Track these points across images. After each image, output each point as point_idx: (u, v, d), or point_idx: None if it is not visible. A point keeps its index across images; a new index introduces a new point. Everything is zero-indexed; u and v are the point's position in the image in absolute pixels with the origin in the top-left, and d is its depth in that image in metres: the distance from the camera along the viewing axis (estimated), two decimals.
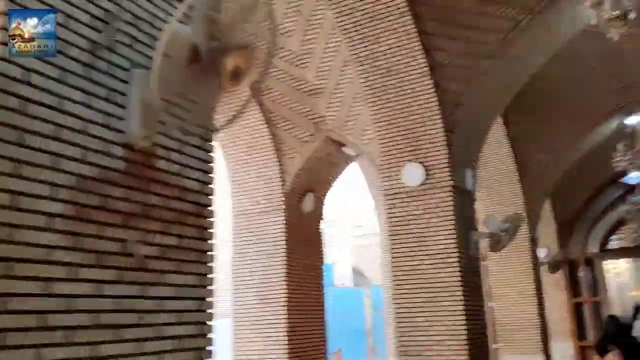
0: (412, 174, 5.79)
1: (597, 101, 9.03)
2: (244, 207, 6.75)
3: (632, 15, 3.25)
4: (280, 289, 6.44)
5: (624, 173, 9.31)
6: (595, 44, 7.51)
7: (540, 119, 9.05)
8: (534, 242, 9.66)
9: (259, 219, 6.64)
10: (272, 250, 6.52)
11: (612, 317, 10.25)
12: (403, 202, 5.86)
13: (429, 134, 5.80)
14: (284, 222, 6.52)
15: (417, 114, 5.80)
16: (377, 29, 5.56)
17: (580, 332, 11.92)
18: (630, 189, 10.67)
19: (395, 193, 5.90)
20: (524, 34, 5.71)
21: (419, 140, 5.85)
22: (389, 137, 5.93)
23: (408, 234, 5.75)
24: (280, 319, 6.40)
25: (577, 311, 12.18)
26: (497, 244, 5.88)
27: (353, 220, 19.53)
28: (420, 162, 5.79)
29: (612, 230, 12.84)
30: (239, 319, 6.68)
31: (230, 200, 6.81)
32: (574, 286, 12.22)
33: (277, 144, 6.57)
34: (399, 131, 5.88)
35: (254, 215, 6.68)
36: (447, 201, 5.67)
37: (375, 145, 6.10)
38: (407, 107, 5.79)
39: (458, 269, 5.49)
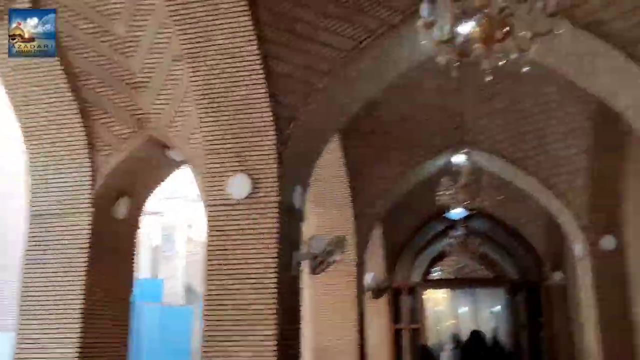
0: (238, 186, 5.42)
1: (430, 136, 9.46)
2: (43, 207, 5.86)
3: (460, 39, 3.19)
4: (77, 301, 5.64)
5: (447, 208, 9.78)
6: (434, 80, 7.89)
7: (377, 146, 9.27)
8: (360, 267, 9.78)
9: (60, 222, 5.80)
10: (73, 257, 5.71)
11: (424, 347, 11.18)
12: (226, 214, 5.45)
13: (260, 146, 5.48)
14: (90, 226, 5.75)
15: (249, 123, 5.46)
16: (213, 26, 5.14)
17: (398, 358, 12.36)
18: (452, 223, 11.38)
19: (219, 204, 5.47)
20: (363, 56, 5.67)
21: (248, 151, 5.49)
22: (217, 144, 5.50)
23: (228, 248, 5.34)
24: (74, 335, 5.60)
25: (396, 338, 12.58)
26: (319, 265, 5.69)
27: (188, 233, 18.70)
28: (248, 174, 5.43)
29: (435, 261, 13.63)
30: (24, 334, 5.75)
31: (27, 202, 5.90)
32: (395, 313, 12.71)
33: (91, 138, 5.80)
34: (227, 139, 5.48)
35: (54, 217, 5.82)
36: (271, 217, 5.36)
37: (202, 151, 5.64)
38: (238, 114, 5.43)
39: (275, 290, 5.19)
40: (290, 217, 5.69)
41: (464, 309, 13.90)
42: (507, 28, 3.07)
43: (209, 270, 5.32)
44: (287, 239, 5.52)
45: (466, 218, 11.41)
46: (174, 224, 18.67)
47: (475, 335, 11.18)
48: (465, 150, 8.77)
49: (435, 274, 13.76)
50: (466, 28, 3.18)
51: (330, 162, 9.02)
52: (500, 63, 3.23)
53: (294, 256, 5.58)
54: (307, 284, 9.51)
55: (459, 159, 8.95)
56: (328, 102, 5.83)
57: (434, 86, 8.22)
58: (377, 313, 11.80)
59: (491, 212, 11.66)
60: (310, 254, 5.63)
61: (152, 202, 7.77)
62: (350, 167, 9.14)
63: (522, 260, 12.93)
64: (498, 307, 13.41)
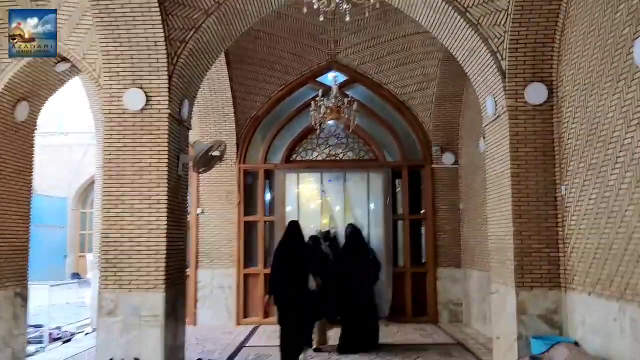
0: (133, 99, 6.22)
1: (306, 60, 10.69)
2: None
3: None
4: None
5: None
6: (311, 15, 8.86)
7: (256, 65, 10.44)
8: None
9: None
10: None
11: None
12: (122, 125, 6.27)
13: (153, 63, 6.26)
14: None
15: (144, 41, 6.18)
16: None
17: (247, 256, 10.79)
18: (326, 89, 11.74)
19: (116, 116, 6.27)
20: None
21: (142, 66, 6.27)
22: (113, 60, 6.21)
23: (124, 155, 6.22)
24: None
25: (248, 232, 10.82)
26: (202, 166, 6.75)
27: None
28: (142, 88, 6.24)
29: (301, 139, 11.22)
30: None
31: None
32: (247, 202, 10.96)
33: None
34: (123, 54, 6.19)
35: None
36: (163, 127, 6.27)
37: (100, 64, 6.32)
38: (133, 33, 6.11)
39: (166, 186, 6.23)
40: (179, 127, 6.66)
41: (334, 199, 11.20)
42: None
43: (106, 173, 6.22)
44: (175, 145, 6.51)
45: (343, 85, 10.24)
46: None
47: (351, 229, 8.83)
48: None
49: (300, 154, 11.21)
50: None
51: (216, 77, 10.05)
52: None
53: (180, 158, 6.59)
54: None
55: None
56: (216, 25, 6.62)
57: (310, 19, 9.25)
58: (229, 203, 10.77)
59: (372, 77, 10.82)
60: (193, 156, 6.65)
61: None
62: (232, 83, 10.27)
63: (406, 138, 11.03)
64: (376, 196, 10.99)
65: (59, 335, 9.51)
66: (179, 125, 6.69)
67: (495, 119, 6.70)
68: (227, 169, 10.85)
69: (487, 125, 7.07)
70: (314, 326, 7.76)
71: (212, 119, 10.55)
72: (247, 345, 8.64)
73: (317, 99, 8.96)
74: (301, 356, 7.13)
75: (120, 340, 6.06)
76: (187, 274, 10.25)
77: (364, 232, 10.32)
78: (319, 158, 11.29)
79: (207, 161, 6.79)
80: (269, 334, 9.38)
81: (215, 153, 6.79)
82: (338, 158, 11.26)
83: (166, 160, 6.27)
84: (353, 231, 8.78)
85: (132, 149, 6.24)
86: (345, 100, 8.81)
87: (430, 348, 8.17)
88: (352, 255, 8.37)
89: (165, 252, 6.20)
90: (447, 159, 10.89)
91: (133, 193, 6.20)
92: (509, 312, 6.25)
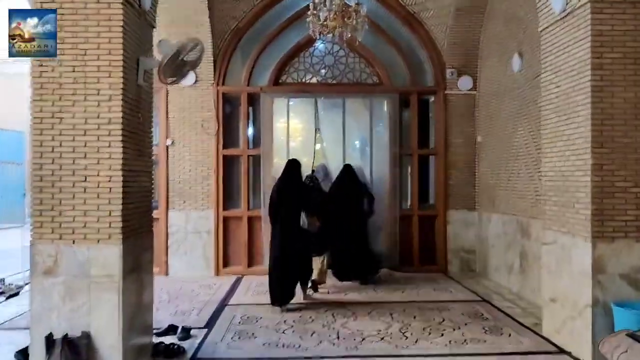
0: None
1: None
2: None
3: None
4: None
5: None
6: None
7: None
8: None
9: None
10: None
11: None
12: (59, 13, 4.42)
13: None
14: None
15: None
16: None
17: (228, 195, 9.17)
18: None
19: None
20: None
21: None
22: None
23: (63, 54, 4.40)
24: None
25: (227, 167, 9.12)
26: (172, 74, 4.97)
27: None
28: None
29: (292, 57, 9.37)
30: None
31: None
32: (227, 133, 9.21)
33: None
34: None
35: None
36: (115, 18, 4.46)
37: None
38: None
39: (121, 100, 4.49)
40: (139, 19, 4.84)
41: (331, 129, 9.33)
42: None
43: (36, 80, 4.41)
44: (134, 44, 4.72)
45: None
46: None
47: (348, 170, 8.37)
48: None
49: (291, 76, 9.40)
50: None
51: None
52: None
53: (141, 63, 4.82)
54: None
55: None
56: None
57: None
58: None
59: None
60: (158, 61, 4.86)
61: None
62: None
63: (416, 60, 9.37)
64: (380, 127, 9.41)
65: (1, 290, 7.88)
66: (138, 18, 4.88)
67: (565, 16, 5.04)
68: (202, 92, 9.05)
69: (547, 28, 5.42)
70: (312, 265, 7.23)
71: (181, 30, 8.33)
72: (230, 303, 7.13)
73: (316, 1, 7.11)
74: (306, 292, 7.12)
75: (63, 308, 4.45)
76: (155, 217, 8.78)
77: (366, 170, 9.24)
78: (314, 81, 9.49)
79: (178, 68, 5.00)
80: (255, 288, 7.90)
81: (190, 57, 5.00)
82: (336, 81, 9.47)
83: (121, 65, 4.49)
84: (346, 167, 8.49)
85: (73, 47, 4.41)
86: (353, 1, 6.97)
87: (452, 307, 6.78)
88: (344, 189, 8.21)
89: (122, 190, 4.54)
90: (464, 83, 9.24)
91: (75, 108, 4.44)
92: (578, 270, 4.81)
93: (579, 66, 4.84)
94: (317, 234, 7.23)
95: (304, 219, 6.84)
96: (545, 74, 5.53)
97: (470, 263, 9.29)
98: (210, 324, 6.09)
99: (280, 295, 6.61)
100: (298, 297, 6.90)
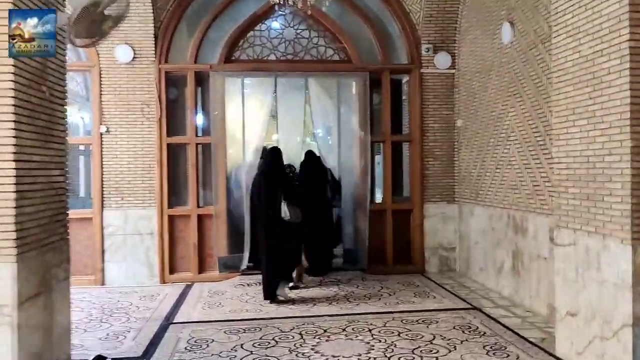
0: None
1: None
2: None
3: None
4: None
5: None
6: None
7: None
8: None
9: None
10: None
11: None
12: None
13: None
14: None
15: None
16: None
17: (174, 190, 7.89)
18: None
19: None
20: None
21: None
22: None
23: None
24: None
25: (173, 158, 7.86)
26: (86, 34, 3.71)
27: None
28: None
29: (245, 32, 8.14)
30: None
31: None
32: (170, 118, 7.90)
33: None
34: None
35: None
36: None
37: None
38: None
39: (12, 68, 3.27)
40: None
41: (290, 116, 8.24)
42: None
43: None
44: None
45: None
46: None
47: (310, 156, 7.86)
48: None
49: (246, 52, 8.16)
50: None
51: None
52: None
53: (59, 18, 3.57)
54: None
55: None
56: None
57: None
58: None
59: None
60: (67, 14, 3.61)
61: None
62: None
63: (388, 34, 8.33)
64: (349, 109, 8.34)
65: None
66: None
67: None
68: (142, 70, 7.75)
69: None
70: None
71: None
72: (175, 320, 5.92)
73: None
74: (282, 291, 6.67)
75: None
76: (88, 217, 7.48)
77: (333, 160, 8.47)
78: (272, 57, 8.28)
79: (95, 24, 3.75)
80: (207, 299, 6.75)
81: (110, 11, 3.75)
82: (298, 58, 8.30)
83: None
84: (308, 154, 7.98)
85: None
86: None
87: (439, 318, 5.77)
88: (309, 178, 7.76)
89: (14, 189, 3.32)
90: (442, 61, 8.25)
91: None
92: (611, 279, 3.84)
93: (609, 24, 3.85)
94: (299, 225, 6.73)
95: (285, 211, 6.52)
96: (557, 38, 4.53)
97: (450, 262, 8.34)
98: (148, 352, 4.88)
99: (270, 295, 6.55)
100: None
